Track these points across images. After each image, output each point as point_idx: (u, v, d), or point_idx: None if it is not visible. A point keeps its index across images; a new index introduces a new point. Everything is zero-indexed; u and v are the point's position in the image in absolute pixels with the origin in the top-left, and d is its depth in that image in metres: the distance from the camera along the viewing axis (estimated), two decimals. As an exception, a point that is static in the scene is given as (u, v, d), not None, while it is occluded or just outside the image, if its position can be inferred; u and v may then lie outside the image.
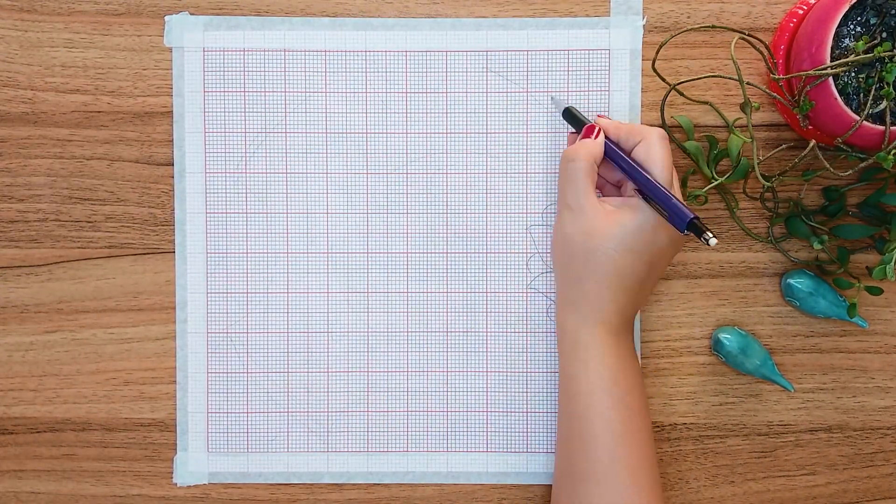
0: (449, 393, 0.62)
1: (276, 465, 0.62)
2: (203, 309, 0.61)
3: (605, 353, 0.54)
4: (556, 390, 0.61)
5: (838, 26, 0.52)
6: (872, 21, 0.53)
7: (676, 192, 0.55)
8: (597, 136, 0.56)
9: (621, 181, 0.57)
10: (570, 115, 0.58)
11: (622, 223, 0.53)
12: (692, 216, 0.51)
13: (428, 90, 0.61)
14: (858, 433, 0.61)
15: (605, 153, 0.56)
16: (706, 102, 0.59)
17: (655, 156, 0.54)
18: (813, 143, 0.54)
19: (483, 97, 0.61)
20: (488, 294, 0.61)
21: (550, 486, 0.61)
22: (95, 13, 0.61)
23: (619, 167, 0.56)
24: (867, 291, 0.58)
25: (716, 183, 0.57)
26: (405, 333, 0.61)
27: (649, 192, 0.53)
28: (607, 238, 0.53)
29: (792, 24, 0.58)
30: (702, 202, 0.60)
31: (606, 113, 0.60)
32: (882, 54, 0.52)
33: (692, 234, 0.51)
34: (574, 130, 0.58)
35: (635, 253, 0.53)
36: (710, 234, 0.50)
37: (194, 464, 0.62)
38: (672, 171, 0.55)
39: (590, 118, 0.58)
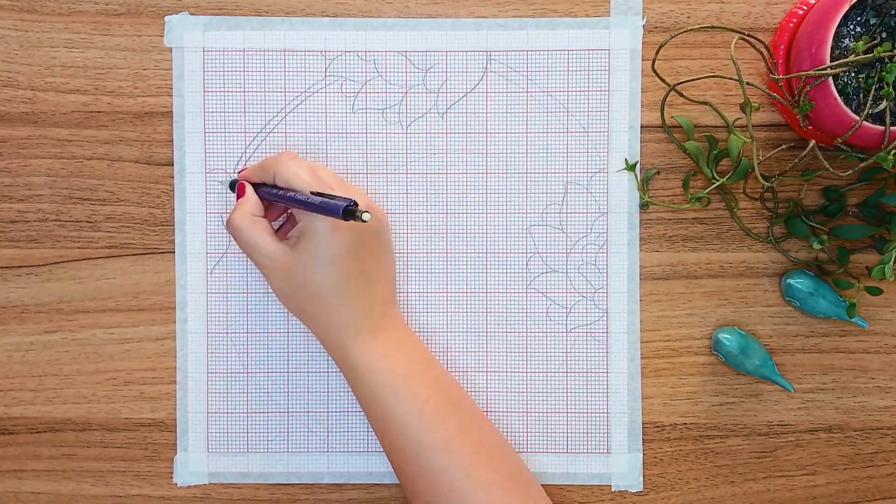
0: (449, 393, 0.61)
1: (276, 465, 0.62)
2: (203, 309, 0.61)
3: (371, 361, 0.55)
4: (557, 390, 0.61)
5: (838, 26, 0.52)
6: (872, 21, 0.53)
7: (338, 187, 0.55)
8: (243, 193, 0.57)
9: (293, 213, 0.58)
10: (234, 186, 0.60)
11: (306, 248, 0.54)
12: (342, 205, 0.50)
13: (428, 90, 0.61)
14: (858, 433, 0.61)
15: (263, 197, 0.57)
16: (706, 103, 0.59)
17: (289, 174, 0.55)
18: (813, 143, 0.54)
19: (483, 97, 0.61)
20: (488, 294, 0.61)
21: (550, 486, 0.61)
22: (95, 13, 0.61)
23: (275, 200, 0.56)
24: (867, 291, 0.58)
25: (717, 184, 0.58)
26: (405, 333, 0.61)
27: (302, 206, 0.53)
28: (304, 268, 0.54)
29: (792, 24, 0.58)
30: (705, 203, 0.60)
31: (606, 113, 0.60)
32: (882, 54, 0.52)
33: (357, 220, 0.50)
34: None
35: (334, 263, 0.54)
36: (362, 212, 0.49)
37: (194, 464, 0.62)
38: (321, 175, 0.55)
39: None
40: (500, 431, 0.58)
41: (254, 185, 0.58)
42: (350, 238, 0.54)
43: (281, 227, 0.60)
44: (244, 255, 0.61)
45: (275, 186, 0.56)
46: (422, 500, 0.54)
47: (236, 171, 0.61)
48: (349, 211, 0.50)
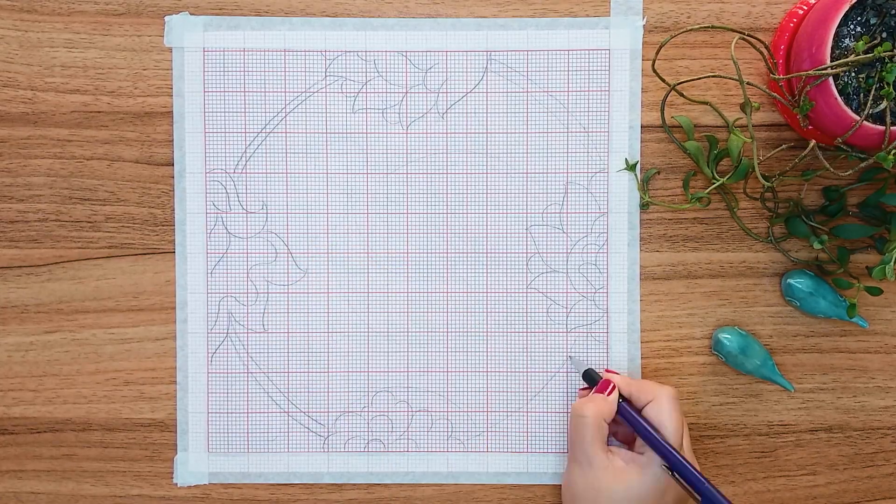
0: (449, 393, 0.62)
1: (276, 465, 0.62)
2: (203, 309, 0.61)
3: None
4: (556, 390, 0.61)
5: (838, 26, 0.52)
6: (872, 21, 0.53)
7: (687, 451, 0.56)
8: (609, 394, 0.57)
9: (633, 437, 0.58)
10: (589, 377, 0.59)
11: (629, 484, 0.54)
12: (710, 489, 0.52)
13: (428, 90, 0.61)
14: (859, 433, 0.61)
15: (619, 412, 0.57)
16: (706, 102, 0.59)
17: (666, 418, 0.55)
18: (813, 143, 0.54)
19: (483, 97, 0.61)
20: (488, 294, 0.61)
21: (550, 485, 0.61)
22: (95, 13, 0.61)
23: (634, 428, 0.56)
24: (867, 291, 0.58)
25: (718, 184, 0.57)
26: (405, 333, 0.61)
27: (667, 461, 0.54)
28: (615, 499, 0.54)
29: (792, 24, 0.58)
30: (705, 203, 0.60)
31: (606, 113, 0.60)
32: (882, 54, 0.52)
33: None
34: (586, 386, 0.60)
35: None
36: None
37: (194, 464, 0.62)
38: (682, 433, 0.55)
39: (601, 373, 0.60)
40: None
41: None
42: (671, 500, 0.55)
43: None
44: (244, 254, 0.61)
45: (639, 413, 0.56)
46: None
47: (598, 367, 0.61)
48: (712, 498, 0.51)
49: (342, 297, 0.61)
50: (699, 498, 0.53)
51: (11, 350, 0.62)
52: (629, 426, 0.57)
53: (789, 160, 0.59)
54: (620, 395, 0.57)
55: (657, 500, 0.54)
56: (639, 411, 0.57)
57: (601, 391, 0.57)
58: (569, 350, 0.61)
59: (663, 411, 0.55)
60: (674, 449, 0.54)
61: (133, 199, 0.61)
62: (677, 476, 0.54)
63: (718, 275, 0.61)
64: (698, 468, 0.55)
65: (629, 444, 0.58)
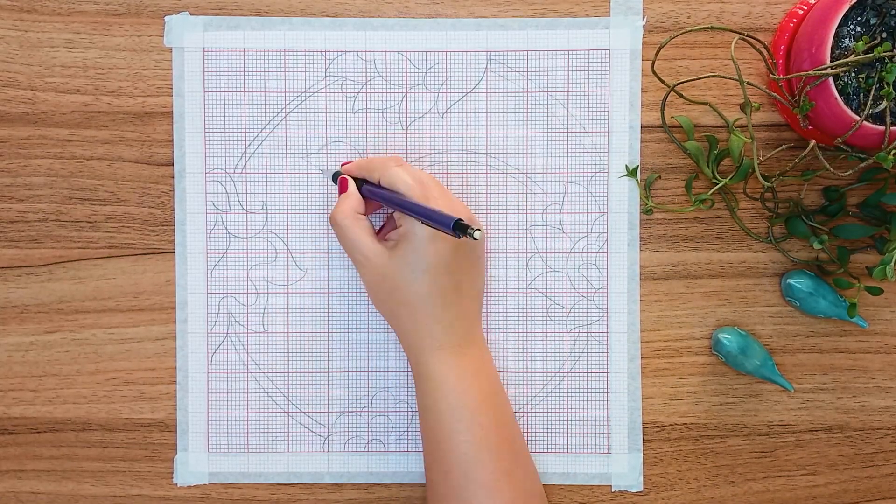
0: (449, 393, 0.61)
1: (276, 465, 0.62)
2: (203, 309, 0.61)
3: (446, 377, 0.55)
4: (557, 390, 0.61)
5: (838, 26, 0.52)
6: (872, 21, 0.53)
7: (441, 196, 0.55)
8: (345, 188, 0.58)
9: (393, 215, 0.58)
10: (335, 176, 0.60)
11: (403, 252, 0.55)
12: (454, 219, 0.50)
13: (428, 90, 0.61)
14: (859, 433, 0.61)
15: (365, 195, 0.57)
16: (705, 103, 0.59)
17: (398, 181, 0.55)
18: (813, 143, 0.54)
19: (483, 97, 0.61)
20: (488, 294, 0.61)
21: (550, 486, 0.61)
22: (95, 13, 0.61)
23: (379, 201, 0.57)
24: (867, 291, 0.58)
25: (720, 185, 0.57)
26: (405, 333, 0.61)
27: (410, 212, 0.54)
28: (399, 273, 0.55)
29: (792, 25, 0.58)
30: (709, 206, 0.60)
31: (606, 114, 0.60)
32: (882, 54, 0.52)
33: (466, 237, 0.50)
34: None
35: (428, 271, 0.54)
36: (474, 229, 0.49)
37: (194, 464, 0.62)
38: (426, 183, 0.55)
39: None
40: (537, 472, 0.58)
41: (356, 181, 0.58)
42: (448, 250, 0.55)
43: (381, 228, 0.60)
44: (244, 254, 0.61)
45: (380, 187, 0.56)
46: None
47: (339, 163, 0.60)
48: (460, 226, 0.50)
49: (342, 297, 0.61)
50: (443, 230, 0.51)
51: (11, 350, 0.62)
52: (379, 202, 0.57)
53: (789, 160, 0.59)
54: (359, 180, 0.58)
55: (434, 253, 0.54)
56: (380, 186, 0.57)
57: (343, 191, 0.58)
58: (568, 350, 0.61)
59: (393, 177, 0.55)
60: (415, 202, 0.54)
61: (133, 199, 0.61)
62: (418, 218, 0.53)
63: (718, 275, 0.61)
64: (455, 207, 0.54)
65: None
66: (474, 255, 0.57)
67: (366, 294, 0.61)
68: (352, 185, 0.58)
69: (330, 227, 0.60)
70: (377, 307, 0.57)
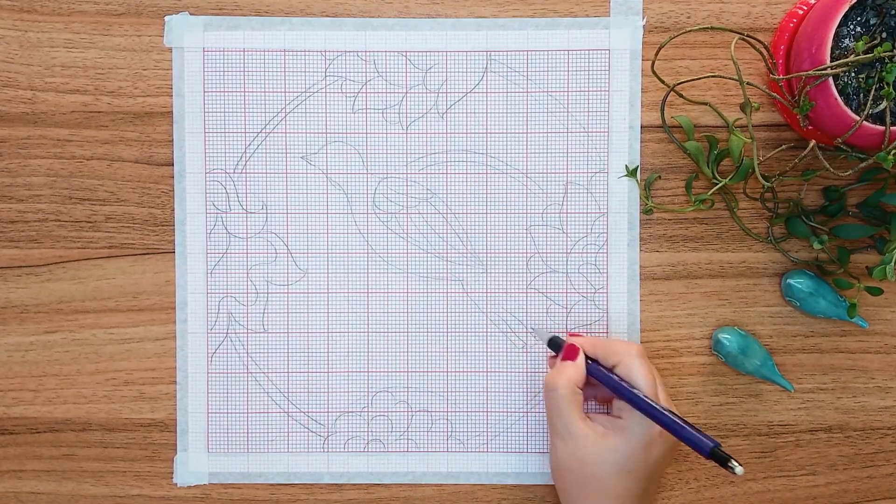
0: (449, 393, 0.62)
1: (276, 465, 0.62)
2: (203, 309, 0.61)
3: None
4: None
5: (838, 26, 0.52)
6: (872, 21, 0.53)
7: (665, 404, 0.55)
8: (576, 359, 0.56)
9: (609, 397, 0.57)
10: (555, 345, 0.59)
11: (614, 448, 0.53)
12: (712, 445, 0.50)
13: (428, 90, 0.61)
14: (859, 433, 0.61)
15: (590, 373, 0.56)
16: (705, 103, 0.59)
17: (638, 376, 0.54)
18: (813, 143, 0.54)
19: (483, 97, 0.61)
20: (488, 294, 0.61)
21: (551, 486, 0.61)
22: (95, 13, 0.61)
23: (610, 388, 0.55)
24: (867, 291, 0.58)
25: (720, 185, 0.57)
26: (405, 333, 0.61)
27: (660, 422, 0.52)
28: (600, 464, 0.53)
29: (792, 25, 0.58)
30: (709, 206, 0.60)
31: (606, 114, 0.60)
32: (882, 54, 0.52)
33: (725, 468, 0.49)
34: (553, 354, 0.59)
35: (630, 473, 0.53)
36: (736, 463, 0.48)
37: (194, 464, 0.62)
38: (656, 386, 0.55)
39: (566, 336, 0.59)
40: None
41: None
42: (659, 456, 0.54)
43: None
44: (244, 254, 0.61)
45: (612, 373, 0.55)
46: None
47: (561, 331, 0.60)
48: (717, 456, 0.49)
49: (342, 297, 0.61)
50: (696, 450, 0.51)
51: (11, 350, 0.62)
52: (604, 386, 0.56)
53: (789, 160, 0.59)
54: (588, 357, 0.57)
55: (643, 458, 0.53)
56: (609, 370, 0.56)
57: (568, 358, 0.56)
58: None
59: (633, 369, 0.54)
60: (651, 400, 0.53)
61: (133, 199, 0.61)
62: (669, 429, 0.52)
63: (718, 275, 0.61)
64: (684, 420, 0.53)
65: (607, 405, 0.58)
66: (670, 461, 0.56)
67: (366, 295, 0.61)
68: (582, 358, 0.56)
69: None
70: (557, 484, 0.56)
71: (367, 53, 0.61)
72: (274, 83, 0.61)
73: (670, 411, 0.53)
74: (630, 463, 0.53)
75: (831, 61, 0.52)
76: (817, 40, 0.52)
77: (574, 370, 0.56)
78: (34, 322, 0.62)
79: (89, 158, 0.61)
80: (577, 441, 0.54)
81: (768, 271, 0.61)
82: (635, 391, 0.54)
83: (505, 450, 0.62)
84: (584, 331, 0.61)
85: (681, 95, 0.57)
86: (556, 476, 0.56)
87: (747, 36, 0.54)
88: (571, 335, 0.59)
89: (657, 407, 0.53)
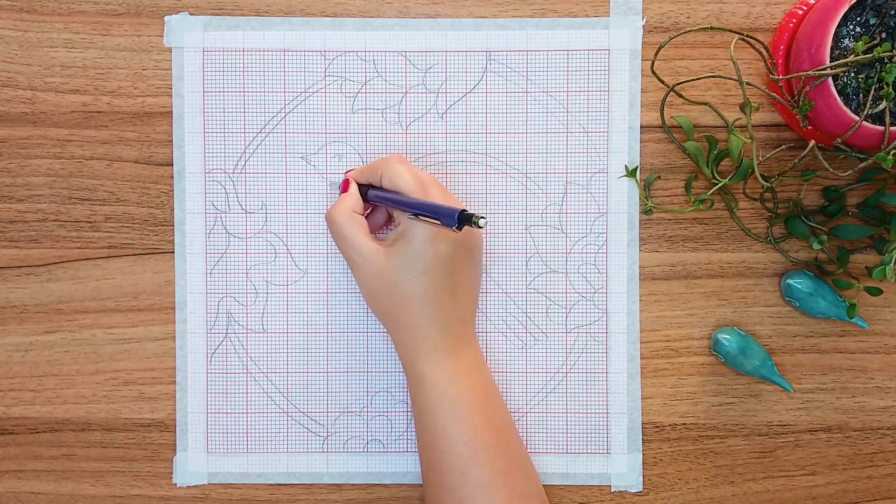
0: (448, 393, 0.61)
1: (276, 465, 0.62)
2: (203, 309, 0.61)
3: (440, 378, 0.55)
4: (557, 390, 0.61)
5: (838, 26, 0.52)
6: (872, 21, 0.53)
7: (441, 198, 0.55)
8: (348, 188, 0.58)
9: (392, 216, 0.59)
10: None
11: (401, 252, 0.54)
12: (458, 210, 0.50)
13: (427, 90, 0.61)
14: (858, 433, 0.61)
15: (367, 199, 0.58)
16: (704, 103, 0.59)
17: (398, 178, 0.55)
18: (812, 143, 0.54)
19: (483, 97, 0.61)
20: (488, 294, 0.61)
21: (550, 486, 0.61)
22: (95, 13, 0.61)
23: (383, 203, 0.57)
24: (866, 292, 0.58)
25: (719, 185, 0.57)
26: (405, 333, 0.61)
27: (410, 209, 0.54)
28: (395, 272, 0.54)
29: (791, 25, 0.58)
30: (708, 206, 0.60)
31: (606, 114, 0.60)
32: (881, 55, 0.52)
33: (471, 227, 0.50)
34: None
35: (426, 272, 0.54)
36: (479, 216, 0.49)
37: (194, 464, 0.62)
38: (425, 182, 0.55)
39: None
40: (536, 473, 0.58)
41: (361, 186, 0.58)
42: (447, 250, 0.54)
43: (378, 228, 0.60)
44: (244, 254, 0.61)
45: (383, 190, 0.57)
46: None
47: (344, 171, 0.61)
48: (464, 217, 0.50)
49: (342, 297, 0.61)
50: (453, 225, 0.50)
51: (11, 350, 0.62)
52: (384, 205, 0.57)
53: (789, 160, 0.59)
54: (364, 186, 0.58)
55: (433, 254, 0.54)
56: (381, 188, 0.57)
57: (343, 191, 0.58)
58: (568, 350, 0.61)
59: (394, 175, 0.55)
60: (415, 199, 0.54)
61: (133, 199, 0.61)
62: (428, 219, 0.52)
63: (718, 275, 0.61)
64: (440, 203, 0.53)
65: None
66: (472, 257, 0.57)
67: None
68: (353, 185, 0.58)
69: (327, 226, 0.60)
70: (371, 307, 0.57)
71: (367, 53, 0.61)
72: (274, 83, 0.61)
73: (423, 200, 0.53)
74: (421, 262, 0.54)
75: (831, 61, 0.52)
76: (817, 40, 0.52)
77: (348, 199, 0.57)
78: (34, 322, 0.62)
79: (89, 158, 0.61)
80: (370, 260, 0.55)
81: (768, 271, 0.61)
82: (392, 196, 0.55)
83: (504, 450, 0.62)
84: (585, 331, 0.61)
85: (680, 95, 0.57)
86: (370, 303, 0.57)
87: (747, 36, 0.54)
88: (347, 171, 0.60)
89: (403, 199, 0.54)
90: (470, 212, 0.50)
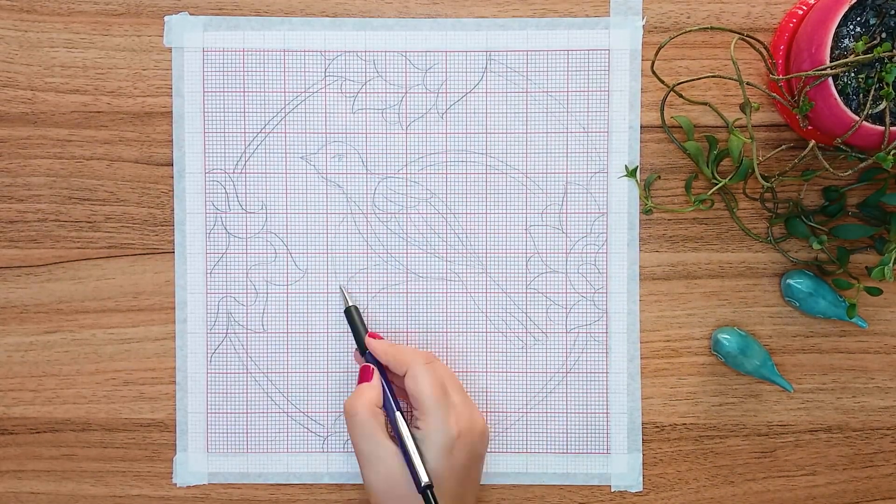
0: (449, 393, 0.61)
1: (276, 466, 0.62)
2: (203, 309, 0.61)
3: None
4: (557, 390, 0.61)
5: (838, 27, 0.52)
6: (872, 21, 0.53)
7: (461, 402, 0.56)
8: (371, 379, 0.57)
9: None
10: (349, 315, 0.60)
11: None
12: (426, 483, 0.53)
13: (427, 90, 0.61)
14: (858, 433, 0.61)
15: (366, 360, 0.58)
16: (705, 103, 0.59)
17: (420, 388, 0.55)
18: (813, 143, 0.54)
19: (483, 97, 0.61)
20: (488, 294, 0.61)
21: (550, 486, 0.61)
22: (95, 13, 0.61)
23: (390, 408, 0.57)
24: (866, 292, 0.58)
25: (720, 185, 0.57)
26: (405, 333, 0.61)
27: (399, 445, 0.55)
28: (409, 481, 0.54)
29: (791, 25, 0.58)
30: (708, 206, 0.60)
31: (606, 114, 0.60)
32: (882, 55, 0.52)
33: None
34: (354, 336, 0.59)
35: (438, 479, 0.54)
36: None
37: (194, 464, 0.62)
38: (441, 394, 0.55)
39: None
40: None
41: (366, 353, 0.58)
42: (462, 460, 0.55)
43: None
44: (244, 254, 0.61)
45: (389, 381, 0.57)
46: None
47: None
48: (427, 495, 0.52)
49: (342, 297, 0.61)
50: (421, 492, 0.53)
51: (11, 350, 0.62)
52: (386, 408, 0.57)
53: (789, 160, 0.59)
54: (380, 368, 0.58)
55: (449, 464, 0.54)
56: (402, 379, 0.57)
57: (364, 380, 0.57)
58: (568, 350, 0.61)
59: (418, 377, 0.55)
60: (410, 446, 0.54)
61: (133, 199, 0.61)
62: (410, 466, 0.54)
63: (718, 275, 0.61)
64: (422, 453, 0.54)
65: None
66: (481, 462, 0.57)
67: (366, 295, 0.61)
68: (377, 377, 0.57)
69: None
70: (370, 494, 0.56)
71: (367, 53, 0.61)
72: (274, 83, 0.61)
73: (412, 437, 0.54)
74: (436, 471, 0.54)
75: (831, 61, 0.52)
76: (817, 40, 0.52)
77: (371, 391, 0.56)
78: (34, 322, 0.62)
79: (89, 158, 0.61)
80: (385, 462, 0.54)
81: (768, 271, 0.61)
82: (393, 413, 0.56)
83: (505, 450, 0.62)
84: (585, 331, 0.61)
85: (680, 95, 0.57)
86: (369, 491, 0.56)
87: (747, 36, 0.54)
88: (371, 335, 0.59)
89: (399, 427, 0.55)
90: (431, 493, 0.52)
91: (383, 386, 0.57)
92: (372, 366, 0.58)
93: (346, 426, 0.58)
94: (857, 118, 0.52)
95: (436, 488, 0.54)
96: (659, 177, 0.61)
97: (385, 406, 0.57)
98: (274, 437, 0.62)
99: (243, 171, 0.61)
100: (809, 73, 0.52)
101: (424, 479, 0.53)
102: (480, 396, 0.61)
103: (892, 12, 0.53)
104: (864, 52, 0.52)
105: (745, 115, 0.55)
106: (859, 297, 0.60)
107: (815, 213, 0.60)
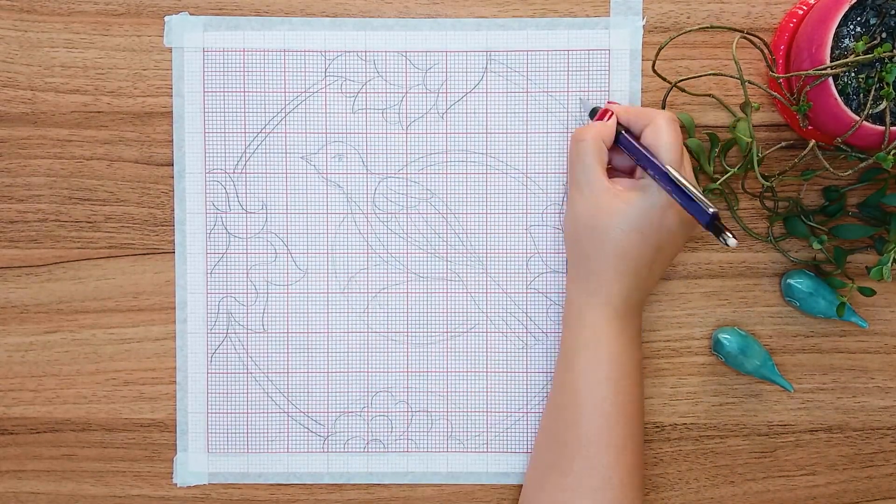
0: (449, 393, 0.62)
1: (276, 466, 0.62)
2: (203, 309, 0.61)
3: (606, 333, 0.55)
4: (556, 390, 0.61)
5: (838, 26, 0.52)
6: (872, 21, 0.53)
7: (688, 174, 0.55)
8: (608, 119, 0.56)
9: (634, 169, 0.57)
10: (595, 114, 0.59)
11: (630, 202, 0.54)
12: (713, 212, 0.50)
13: (428, 90, 0.61)
14: (858, 433, 0.61)
15: (618, 141, 0.56)
16: (709, 95, 0.59)
17: (663, 140, 0.54)
18: (812, 143, 0.54)
19: (483, 97, 0.61)
20: (488, 294, 0.61)
21: (550, 486, 0.61)
22: (95, 13, 0.61)
23: (631, 156, 0.56)
24: (859, 292, 0.58)
25: (729, 174, 0.57)
26: (405, 333, 0.61)
27: (665, 185, 0.53)
28: (614, 215, 0.54)
29: (792, 25, 0.58)
30: (718, 194, 0.60)
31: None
32: (882, 55, 0.52)
33: (716, 236, 0.50)
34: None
35: (642, 234, 0.53)
36: (730, 235, 0.49)
37: (194, 464, 0.62)
38: (682, 154, 0.54)
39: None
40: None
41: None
42: (671, 227, 0.54)
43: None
44: (244, 254, 0.61)
45: (637, 139, 0.55)
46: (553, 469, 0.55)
47: (604, 101, 0.59)
48: (716, 226, 0.50)
49: (342, 297, 0.61)
50: (696, 217, 0.51)
51: (11, 350, 0.62)
52: (629, 154, 0.56)
53: (789, 160, 0.59)
54: (620, 126, 0.56)
55: (658, 222, 0.53)
56: (637, 138, 0.56)
57: (600, 118, 0.57)
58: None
59: (660, 134, 0.54)
60: (679, 176, 0.52)
61: (133, 199, 0.61)
62: (673, 194, 0.52)
63: (718, 275, 0.61)
64: (697, 188, 0.52)
65: (630, 176, 0.57)
66: (683, 242, 0.56)
67: (366, 295, 0.61)
68: (614, 120, 0.56)
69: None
70: (566, 233, 0.57)
71: (367, 53, 0.61)
72: (274, 83, 0.61)
73: (683, 177, 0.52)
74: (642, 221, 0.53)
75: (831, 61, 0.52)
76: (817, 40, 0.52)
77: (603, 127, 0.56)
78: (34, 322, 0.62)
79: (89, 158, 0.61)
80: (595, 192, 0.54)
81: (768, 271, 0.61)
82: (652, 157, 0.53)
83: (505, 450, 0.62)
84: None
85: (683, 90, 0.57)
86: (569, 228, 0.56)
87: (748, 34, 0.54)
88: (610, 102, 0.59)
89: (669, 170, 0.52)
90: (721, 223, 0.50)
91: (622, 132, 0.56)
92: (611, 109, 0.57)
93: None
94: (857, 118, 0.52)
95: (636, 240, 0.53)
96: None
97: (625, 146, 0.55)
98: (274, 437, 0.62)
99: (243, 171, 0.61)
100: (809, 72, 0.52)
101: (712, 208, 0.50)
102: (480, 396, 0.61)
103: (893, 12, 0.53)
104: (865, 52, 0.52)
105: (746, 114, 0.55)
106: (853, 296, 0.60)
107: (815, 212, 0.60)
